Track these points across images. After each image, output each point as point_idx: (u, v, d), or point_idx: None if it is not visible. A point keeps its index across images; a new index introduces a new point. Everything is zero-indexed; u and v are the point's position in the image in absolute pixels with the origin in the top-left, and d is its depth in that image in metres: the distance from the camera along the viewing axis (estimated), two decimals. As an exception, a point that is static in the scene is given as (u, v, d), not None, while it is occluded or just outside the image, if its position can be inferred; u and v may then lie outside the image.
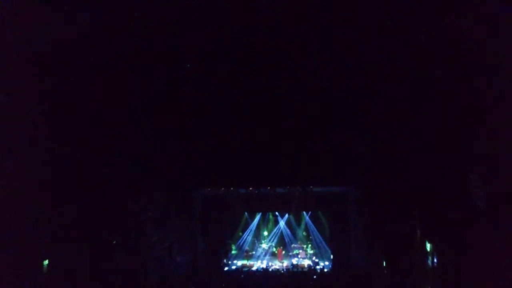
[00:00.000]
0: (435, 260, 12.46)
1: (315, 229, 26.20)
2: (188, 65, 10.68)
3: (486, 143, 8.24)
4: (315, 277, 20.61)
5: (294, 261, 24.83)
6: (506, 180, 7.87)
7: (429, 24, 7.98)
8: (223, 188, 21.19)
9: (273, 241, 27.30)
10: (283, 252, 26.27)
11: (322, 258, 25.03)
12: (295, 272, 22.19)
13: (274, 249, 26.73)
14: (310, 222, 26.48)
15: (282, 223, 27.31)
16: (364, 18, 8.58)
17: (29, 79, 8.70)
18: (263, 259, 25.72)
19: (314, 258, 25.36)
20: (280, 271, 22.54)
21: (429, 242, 12.92)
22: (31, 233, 10.21)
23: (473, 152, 8.94)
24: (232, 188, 21.22)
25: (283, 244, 26.97)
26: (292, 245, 26.85)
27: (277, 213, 27.13)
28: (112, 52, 9.50)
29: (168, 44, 9.84)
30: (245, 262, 25.05)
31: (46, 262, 11.09)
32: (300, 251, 26.09)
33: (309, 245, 26.59)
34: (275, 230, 27.65)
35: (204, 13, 8.64)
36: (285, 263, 24.54)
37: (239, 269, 23.75)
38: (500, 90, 7.32)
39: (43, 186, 10.32)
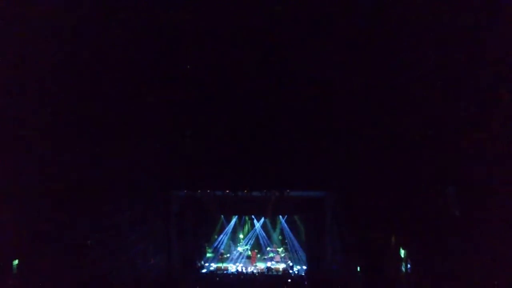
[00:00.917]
0: (409, 266, 12.63)
1: (290, 233, 26.31)
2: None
3: (464, 155, 8.39)
4: (289, 280, 20.69)
5: (269, 264, 24.89)
6: (480, 191, 8.04)
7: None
8: (199, 191, 21.06)
9: (248, 244, 27.30)
10: (258, 255, 26.29)
11: (297, 262, 25.13)
12: (269, 275, 22.24)
13: (249, 252, 26.72)
14: (286, 226, 26.59)
15: (258, 226, 27.34)
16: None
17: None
18: (238, 262, 25.68)
19: (289, 261, 25.44)
20: (255, 274, 22.55)
21: (403, 249, 13.09)
22: (2, 231, 9.98)
23: (451, 162, 9.09)
24: (208, 191, 21.11)
25: (259, 247, 27.00)
26: (268, 248, 26.91)
27: (253, 216, 27.13)
28: (100, 51, 9.40)
29: (158, 44, 9.76)
30: (220, 265, 24.98)
31: (15, 262, 10.85)
32: (275, 254, 26.16)
33: (284, 249, 26.67)
34: (251, 233, 27.66)
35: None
36: (260, 266, 24.55)
37: (214, 272, 23.68)
38: (481, 108, 7.46)
39: (15, 185, 10.10)
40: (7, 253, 10.53)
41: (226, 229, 27.18)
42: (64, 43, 8.59)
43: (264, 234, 27.36)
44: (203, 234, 25.99)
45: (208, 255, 26.47)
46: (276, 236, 27.57)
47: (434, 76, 8.42)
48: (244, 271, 23.51)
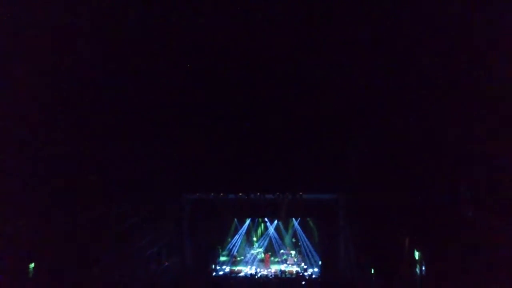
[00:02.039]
0: (423, 269, 12.50)
1: (304, 235, 26.20)
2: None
3: (477, 154, 8.31)
4: (303, 283, 20.61)
5: (283, 267, 24.82)
6: (494, 191, 7.94)
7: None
8: (212, 194, 21.10)
9: (262, 247, 27.25)
10: (271, 258, 26.21)
11: (311, 265, 25.01)
12: (283, 278, 22.16)
13: (263, 255, 26.66)
14: (299, 228, 26.48)
15: (271, 229, 27.28)
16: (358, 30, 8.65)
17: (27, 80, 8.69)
18: (251, 264, 25.64)
19: (302, 264, 25.33)
20: (269, 277, 22.48)
21: (417, 251, 12.96)
22: (17, 235, 10.08)
23: (463, 163, 9.00)
24: (221, 194, 21.15)
25: (272, 250, 26.92)
26: (281, 251, 26.84)
27: (266, 219, 27.09)
28: (107, 53, 9.48)
29: (163, 46, 9.82)
30: (233, 267, 24.97)
31: (32, 265, 10.96)
32: (289, 257, 26.08)
33: (297, 251, 26.56)
34: (264, 236, 27.62)
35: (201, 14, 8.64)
36: (274, 269, 24.48)
37: (227, 275, 23.66)
38: (491, 103, 7.39)
39: (30, 188, 10.21)
40: (23, 257, 10.65)
41: (239, 232, 27.16)
42: (71, 43, 8.67)
43: (277, 237, 27.30)
44: (216, 237, 25.98)
45: (221, 257, 26.44)
46: (289, 238, 27.47)
47: (443, 77, 8.36)
48: (257, 274, 23.45)
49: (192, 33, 9.38)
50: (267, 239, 27.37)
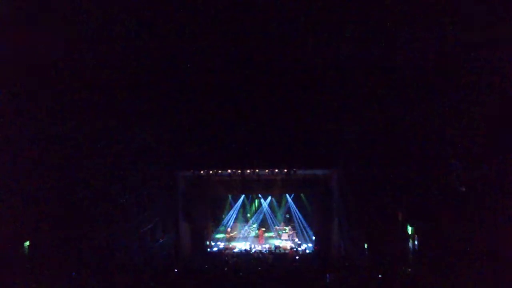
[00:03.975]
0: (416, 243, 12.66)
1: (297, 211, 26.38)
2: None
3: (468, 130, 8.34)
4: (297, 257, 20.83)
5: (277, 242, 25.05)
6: (485, 166, 7.99)
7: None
8: (206, 170, 21.11)
9: (256, 223, 27.44)
10: (265, 234, 26.41)
11: (305, 240, 25.25)
12: (277, 254, 22.37)
13: (257, 231, 26.86)
14: (292, 204, 26.65)
15: (265, 205, 27.43)
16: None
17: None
18: (246, 240, 25.85)
19: (296, 239, 25.56)
20: (263, 252, 22.69)
21: (410, 226, 13.11)
22: (13, 213, 10.07)
23: (455, 138, 9.04)
24: (215, 170, 21.16)
25: (266, 226, 27.12)
26: (275, 227, 27.04)
27: (260, 195, 27.20)
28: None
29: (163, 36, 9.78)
30: (228, 243, 25.17)
31: (27, 243, 10.98)
32: (283, 233, 26.29)
33: (291, 227, 26.77)
34: (258, 212, 27.78)
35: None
36: (268, 245, 24.70)
37: (222, 251, 23.85)
38: (481, 84, 7.40)
39: (26, 167, 10.18)
40: (18, 235, 10.66)
41: (234, 208, 27.31)
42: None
43: (271, 213, 27.48)
44: (210, 214, 26.08)
45: (217, 235, 26.61)
46: (283, 214, 27.66)
47: (436, 56, 8.35)
48: (252, 249, 23.66)
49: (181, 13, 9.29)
50: (261, 215, 27.54)
